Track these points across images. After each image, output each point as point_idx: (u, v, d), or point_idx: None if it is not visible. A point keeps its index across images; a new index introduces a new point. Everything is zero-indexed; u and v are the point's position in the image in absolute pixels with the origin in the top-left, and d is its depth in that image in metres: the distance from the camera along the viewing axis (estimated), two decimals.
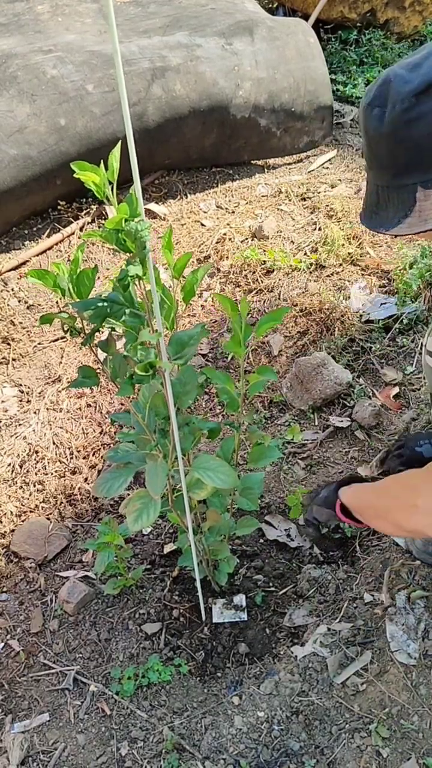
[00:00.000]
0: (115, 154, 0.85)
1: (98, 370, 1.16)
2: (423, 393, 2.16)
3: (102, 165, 0.87)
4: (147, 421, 1.14)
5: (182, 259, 1.05)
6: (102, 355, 1.16)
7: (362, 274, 2.67)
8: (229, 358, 2.41)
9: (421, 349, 1.47)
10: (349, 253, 2.73)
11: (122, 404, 2.26)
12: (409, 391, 2.20)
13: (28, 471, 2.05)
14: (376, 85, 1.03)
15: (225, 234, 2.90)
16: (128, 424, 1.23)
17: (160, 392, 1.09)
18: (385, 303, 2.50)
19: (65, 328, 1.03)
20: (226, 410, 1.44)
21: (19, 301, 2.66)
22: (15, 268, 2.78)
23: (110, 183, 0.87)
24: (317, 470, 2.02)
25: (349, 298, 2.54)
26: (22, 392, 2.33)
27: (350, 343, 2.38)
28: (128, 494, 1.68)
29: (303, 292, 2.58)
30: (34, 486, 2.01)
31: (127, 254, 0.92)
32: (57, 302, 2.65)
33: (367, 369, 2.31)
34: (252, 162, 3.46)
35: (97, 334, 1.07)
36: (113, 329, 1.02)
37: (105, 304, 0.95)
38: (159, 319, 0.97)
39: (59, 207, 2.96)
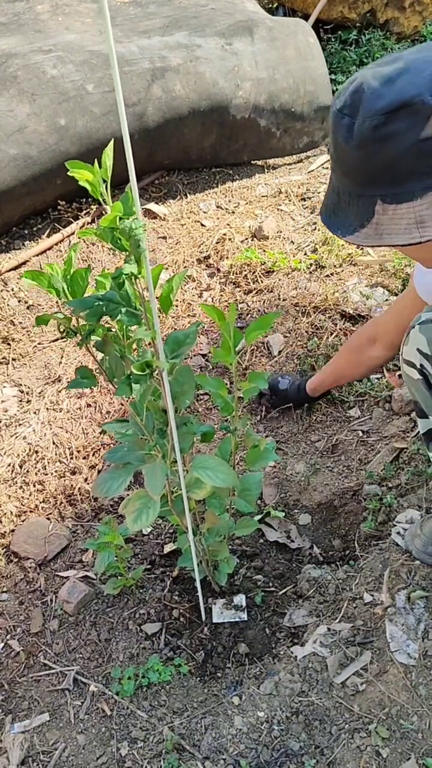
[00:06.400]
0: (108, 152, 0.85)
1: (96, 371, 1.16)
2: (406, 395, 2.14)
3: (96, 164, 0.87)
4: (145, 421, 1.14)
5: (154, 270, 1.02)
6: (100, 355, 1.16)
7: (362, 274, 2.66)
8: None
9: (398, 359, 1.47)
10: (349, 254, 2.73)
11: (122, 404, 2.25)
12: None
13: (28, 471, 2.05)
14: (348, 91, 1.01)
15: (225, 234, 2.90)
16: (119, 432, 1.21)
17: (157, 392, 1.09)
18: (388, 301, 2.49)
19: (61, 329, 1.03)
20: (221, 413, 1.43)
21: (19, 301, 2.66)
22: (15, 268, 2.78)
23: (104, 181, 0.87)
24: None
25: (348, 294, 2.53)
26: (22, 392, 2.33)
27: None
28: (128, 494, 1.68)
29: (303, 292, 2.58)
30: (34, 486, 2.01)
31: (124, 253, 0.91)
32: (57, 302, 2.64)
33: None
34: (252, 162, 3.45)
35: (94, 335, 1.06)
36: (109, 330, 1.02)
37: (101, 302, 0.95)
38: (156, 317, 0.97)
39: (59, 207, 2.96)
